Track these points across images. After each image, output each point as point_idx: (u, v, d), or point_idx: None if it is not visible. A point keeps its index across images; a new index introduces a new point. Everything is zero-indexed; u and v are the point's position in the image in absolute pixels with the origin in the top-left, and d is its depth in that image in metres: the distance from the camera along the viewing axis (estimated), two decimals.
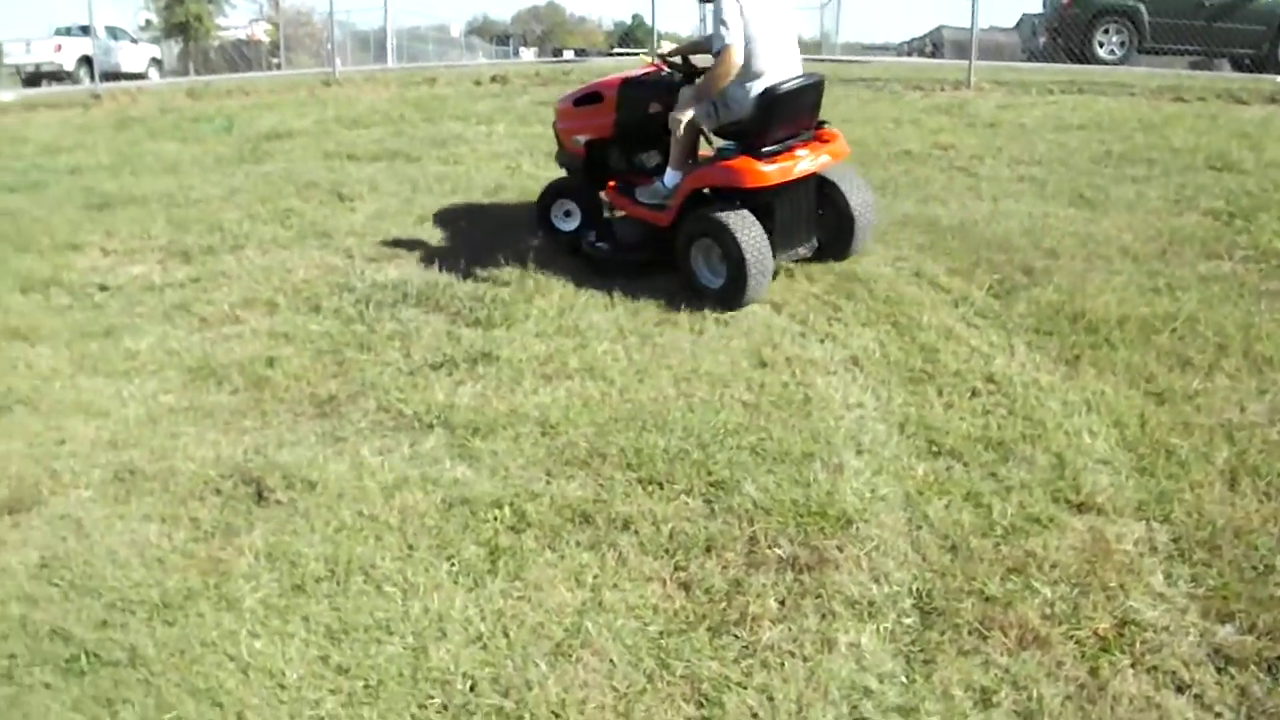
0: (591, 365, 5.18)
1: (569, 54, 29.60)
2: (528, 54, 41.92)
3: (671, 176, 6.32)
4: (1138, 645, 3.16)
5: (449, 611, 3.36)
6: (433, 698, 2.99)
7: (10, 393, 5.41)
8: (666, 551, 3.67)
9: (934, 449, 4.32)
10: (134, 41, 32.53)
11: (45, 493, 4.39)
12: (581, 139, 6.96)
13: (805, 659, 3.13)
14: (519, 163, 9.16)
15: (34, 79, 28.18)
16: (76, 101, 16.29)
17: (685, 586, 3.48)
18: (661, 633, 3.25)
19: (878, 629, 3.26)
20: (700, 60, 6.61)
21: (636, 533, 3.77)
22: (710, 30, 6.01)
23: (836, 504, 3.87)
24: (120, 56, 29.76)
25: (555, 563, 3.62)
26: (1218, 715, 2.91)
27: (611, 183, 6.80)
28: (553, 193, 7.16)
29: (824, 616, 3.32)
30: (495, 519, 3.87)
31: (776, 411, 4.64)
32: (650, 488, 4.06)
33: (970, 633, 3.23)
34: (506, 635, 3.25)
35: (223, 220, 8.11)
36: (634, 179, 6.76)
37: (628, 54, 25.74)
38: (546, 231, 7.14)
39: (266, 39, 37.55)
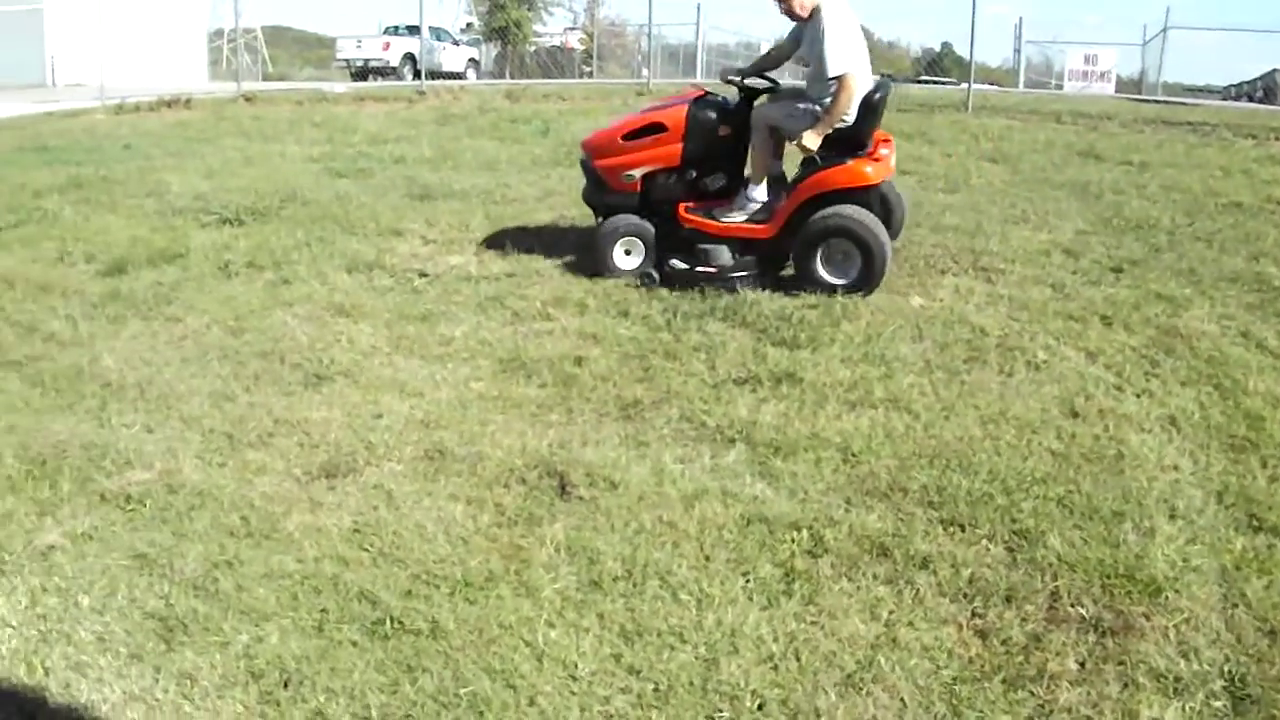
0: (896, 397, 5.11)
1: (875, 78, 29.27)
2: None
3: (757, 190, 6.83)
4: None
5: (742, 627, 3.38)
6: (721, 711, 3.01)
7: (333, 364, 5.80)
8: (964, 596, 3.58)
9: (1255, 523, 4.06)
10: (455, 43, 34.28)
11: (360, 462, 4.69)
12: (637, 173, 7.00)
13: None
14: None
15: (362, 73, 30.23)
16: (402, 96, 17.30)
17: (982, 634, 3.38)
18: (955, 679, 3.17)
19: (1183, 708, 3.08)
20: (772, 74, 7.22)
21: (935, 573, 3.69)
22: (810, 50, 6.60)
23: (1146, 569, 3.68)
24: (442, 57, 31.48)
25: (851, 592, 3.59)
26: None
27: (682, 209, 6.94)
28: (613, 234, 7.01)
29: (1126, 686, 3.16)
30: (792, 541, 3.87)
31: (1086, 465, 4.46)
32: (951, 529, 3.97)
33: None
34: (798, 658, 3.24)
35: (538, 219, 8.41)
36: (706, 203, 7.00)
37: (937, 82, 25.29)
38: (612, 273, 6.98)
39: (580, 47, 38.83)
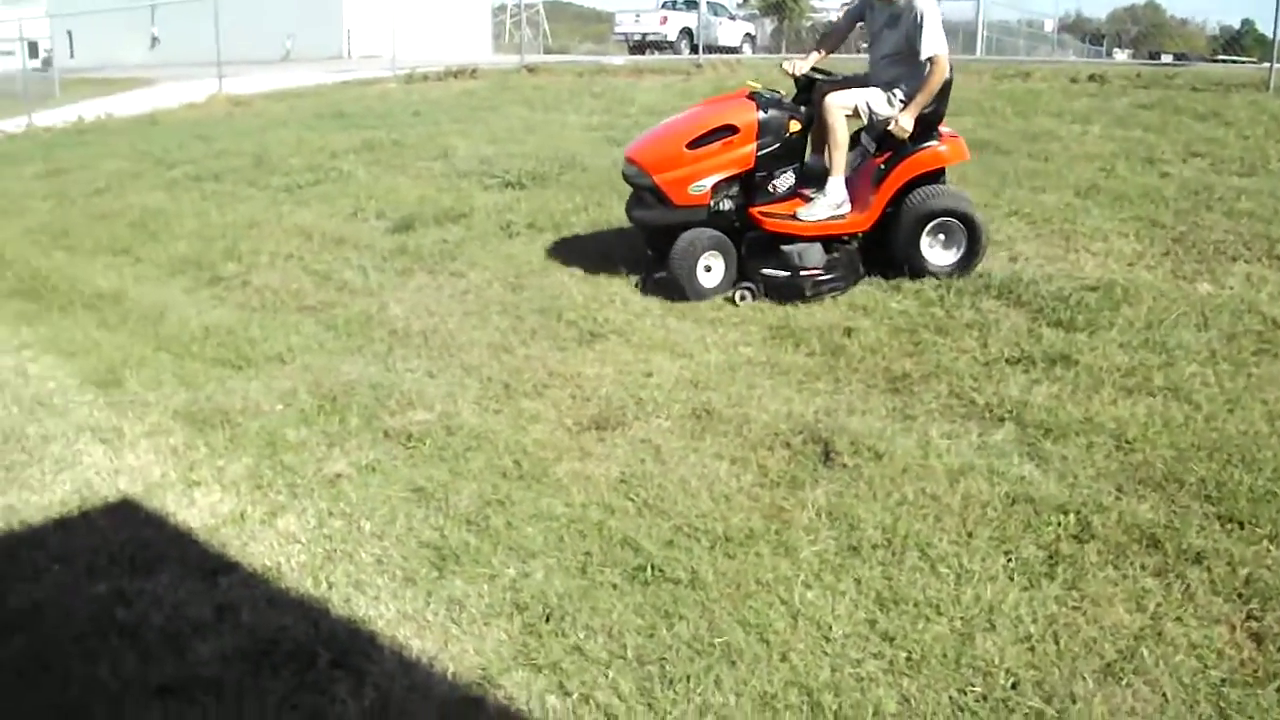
0: (1177, 385, 4.90)
1: (1166, 58, 27.72)
2: (1121, 55, 39.73)
3: (838, 183, 6.46)
4: None
5: (1000, 605, 3.35)
6: (973, 686, 3.00)
7: (607, 323, 6.00)
8: (1239, 596, 3.43)
9: None
10: (731, 18, 34.32)
11: (630, 417, 4.86)
12: (708, 182, 6.43)
13: None
14: (1113, 165, 8.72)
15: (639, 47, 30.65)
16: (679, 69, 17.45)
17: (1257, 638, 3.23)
18: (1224, 680, 3.04)
19: None
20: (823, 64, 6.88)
21: (1208, 569, 3.54)
22: (900, 31, 6.43)
23: None
24: (718, 31, 31.57)
25: (1116, 581, 3.49)
26: None
27: (758, 214, 6.52)
28: (692, 253, 6.36)
29: None
30: (1058, 524, 3.79)
31: None
32: (1229, 525, 3.80)
33: None
34: (1056, 641, 3.18)
35: None
36: (779, 205, 6.56)
37: (1235, 61, 23.75)
38: (699, 296, 6.37)
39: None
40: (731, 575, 3.55)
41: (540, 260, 7.22)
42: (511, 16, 39.61)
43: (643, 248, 6.97)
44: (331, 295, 7.13)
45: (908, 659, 3.11)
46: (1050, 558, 3.62)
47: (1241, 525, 3.79)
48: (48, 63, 32.70)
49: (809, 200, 6.47)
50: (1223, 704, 2.95)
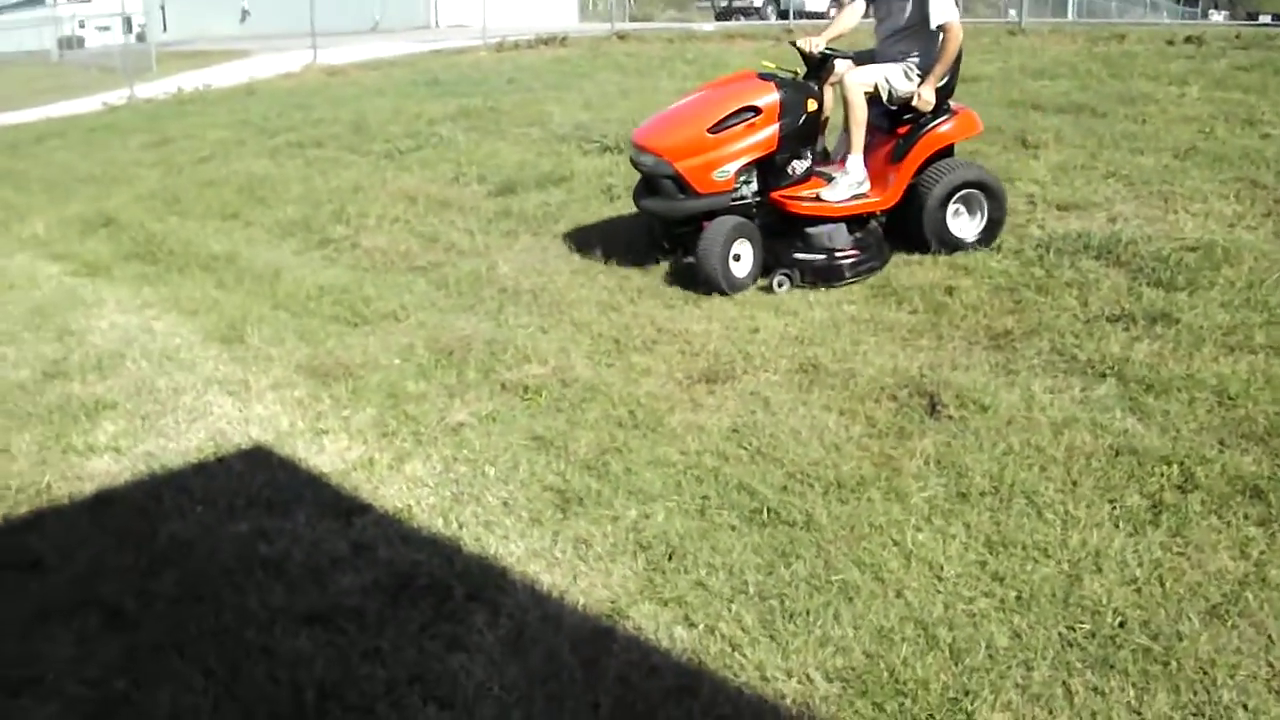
0: (1279, 344, 4.94)
1: (1265, 18, 27.07)
2: (1217, 16, 38.70)
3: (858, 161, 6.34)
4: None
5: (1106, 549, 3.46)
6: (1082, 623, 3.11)
7: None
8: None
9: None
10: None
11: (738, 371, 5.04)
12: (732, 168, 6.22)
13: None
14: (1212, 127, 8.65)
15: (726, 13, 30.59)
16: (770, 34, 17.49)
17: None
18: None
19: None
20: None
21: None
22: (910, 3, 6.32)
23: None
24: None
25: (1220, 529, 3.58)
26: None
27: (782, 198, 6.37)
28: (722, 242, 6.07)
29: None
30: (1162, 475, 3.88)
31: None
32: None
33: None
34: (1161, 584, 3.29)
35: None
36: (799, 188, 6.42)
37: None
38: (733, 287, 6.12)
39: None
40: (845, 519, 3.69)
41: (642, 222, 7.38)
42: None
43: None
44: (440, 256, 7.37)
45: (1017, 598, 3.24)
46: (1154, 506, 3.71)
47: None
48: (142, 37, 33.48)
49: (830, 181, 6.37)
50: None
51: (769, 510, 3.76)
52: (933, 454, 4.09)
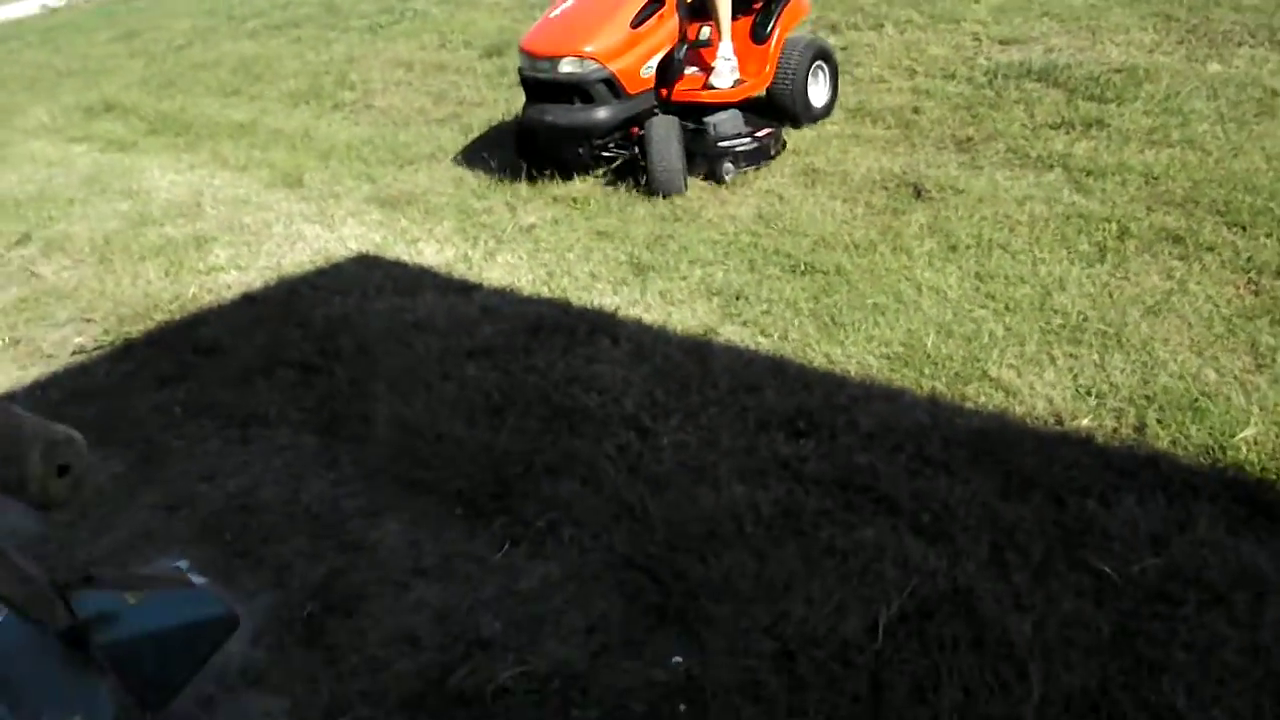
0: (1192, 139, 6.02)
1: None
2: None
3: (728, 46, 6.28)
4: None
5: (1067, 276, 4.56)
6: (1055, 318, 4.21)
7: None
8: (1242, 269, 4.60)
9: None
10: None
11: (750, 175, 6.10)
12: (654, 63, 6.07)
13: None
14: None
15: None
16: None
17: (1255, 291, 4.42)
18: (1231, 315, 4.23)
19: None
20: None
21: (1219, 254, 4.72)
22: None
23: None
24: None
25: (1150, 262, 4.69)
26: None
27: (684, 92, 6.28)
28: (677, 139, 5.88)
29: None
30: (1104, 229, 4.97)
31: None
32: (1234, 229, 4.96)
33: None
34: (1110, 296, 4.39)
35: (861, 3, 9.41)
36: (691, 80, 6.38)
37: None
38: (681, 187, 5.90)
39: None
40: (865, 267, 4.77)
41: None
42: None
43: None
44: (454, 109, 8.24)
45: (1005, 307, 4.33)
46: (1100, 250, 4.81)
47: (1244, 229, 4.95)
48: None
49: (710, 70, 6.32)
50: (1230, 327, 4.14)
51: (805, 264, 4.83)
52: (924, 223, 5.16)
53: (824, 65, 6.90)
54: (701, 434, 3.52)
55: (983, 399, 3.67)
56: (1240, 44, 7.60)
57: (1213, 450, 3.29)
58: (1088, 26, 8.19)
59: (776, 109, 6.71)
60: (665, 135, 5.83)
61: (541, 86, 6.06)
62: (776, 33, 6.51)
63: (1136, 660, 2.46)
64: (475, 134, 7.47)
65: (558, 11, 6.18)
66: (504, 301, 4.81)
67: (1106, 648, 2.50)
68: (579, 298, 4.76)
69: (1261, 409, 3.49)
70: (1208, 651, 2.48)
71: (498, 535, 3.10)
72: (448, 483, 3.37)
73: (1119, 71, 7.11)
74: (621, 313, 4.56)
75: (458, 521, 3.21)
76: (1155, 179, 5.53)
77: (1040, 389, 3.72)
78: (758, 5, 6.59)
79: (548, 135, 6.07)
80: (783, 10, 6.56)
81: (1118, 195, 5.38)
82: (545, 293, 4.86)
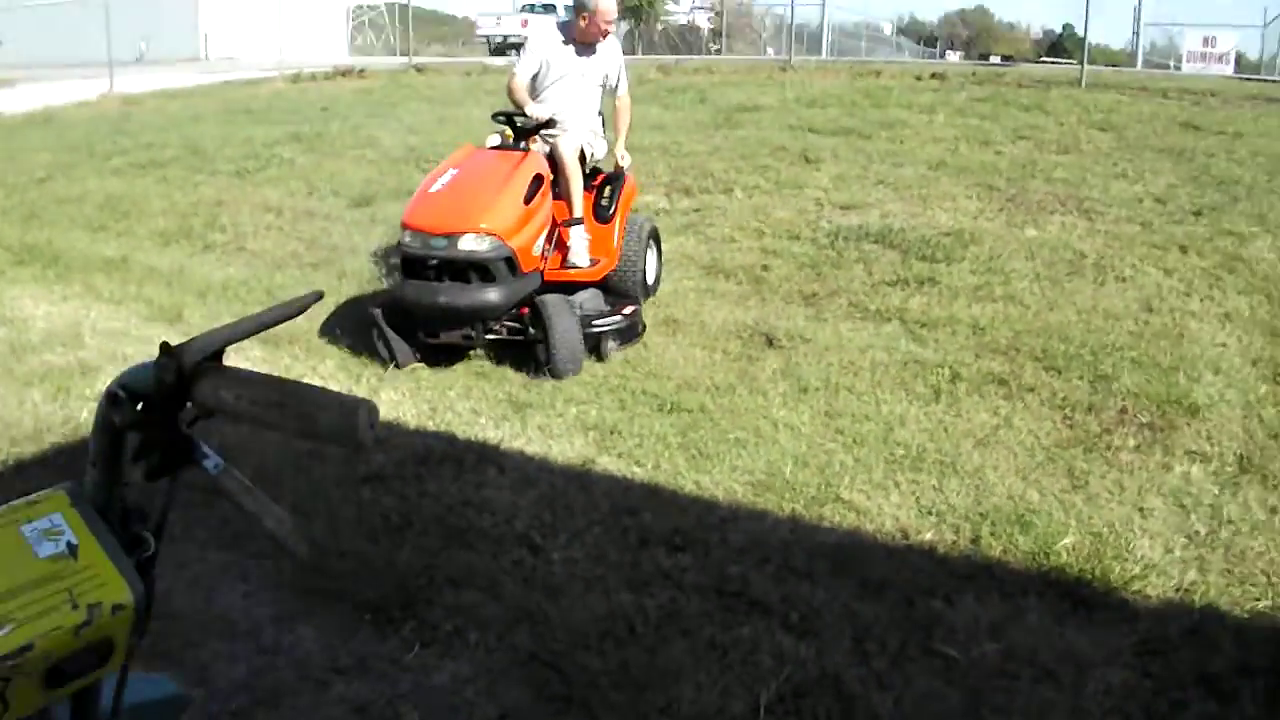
0: (1012, 295, 6.74)
1: (995, 59, 30.48)
2: (954, 56, 42.55)
3: (582, 226, 6.33)
4: None
5: (907, 414, 5.09)
6: (898, 451, 4.72)
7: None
8: (1059, 406, 5.23)
9: (1278, 378, 5.62)
10: None
11: None
12: (541, 241, 6.03)
13: (1149, 473, 4.62)
14: (957, 146, 10.68)
15: (500, 49, 31.90)
16: None
17: (1070, 425, 5.04)
18: (1051, 445, 4.82)
19: (1204, 468, 4.69)
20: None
21: (1038, 394, 5.35)
22: (610, 68, 6.69)
23: (1190, 398, 5.28)
24: None
25: (979, 401, 5.27)
26: None
27: (554, 271, 6.25)
28: (577, 319, 5.87)
29: (1167, 454, 4.79)
30: (937, 374, 5.56)
31: (1155, 340, 6.05)
32: (1051, 372, 5.61)
33: (1274, 484, 4.57)
34: (945, 431, 4.93)
35: (712, 169, 10.14)
36: (554, 259, 6.33)
37: (1055, 62, 26.40)
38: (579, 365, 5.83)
39: (708, 26, 40.34)
40: (726, 406, 5.23)
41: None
42: (354, 20, 40.62)
43: None
44: (327, 254, 8.56)
45: (853, 440, 4.83)
46: (935, 391, 5.38)
47: (1059, 372, 5.61)
48: None
49: (567, 249, 6.31)
50: (1050, 456, 4.72)
51: (671, 403, 5.27)
52: (777, 368, 5.69)
53: (655, 244, 7.08)
54: (588, 550, 3.86)
55: (838, 518, 4.11)
56: (1053, 212, 8.48)
57: (1038, 556, 3.79)
58: (919, 195, 9.01)
59: (613, 289, 6.58)
60: (565, 316, 5.76)
61: (427, 265, 5.73)
62: (617, 212, 6.51)
63: None
64: (350, 278, 7.79)
65: (440, 185, 5.92)
66: (392, 433, 5.10)
67: (957, 716, 2.90)
68: (463, 431, 5.08)
69: (1078, 522, 4.04)
70: (1042, 713, 2.91)
71: (408, 639, 3.37)
72: (356, 594, 3.63)
73: (948, 235, 7.86)
74: (505, 445, 4.90)
75: (368, 627, 3.46)
76: (981, 329, 6.18)
77: (888, 509, 4.19)
78: (596, 184, 6.64)
79: (441, 316, 5.80)
80: (621, 190, 6.61)
81: (949, 344, 5.99)
82: (431, 426, 5.18)
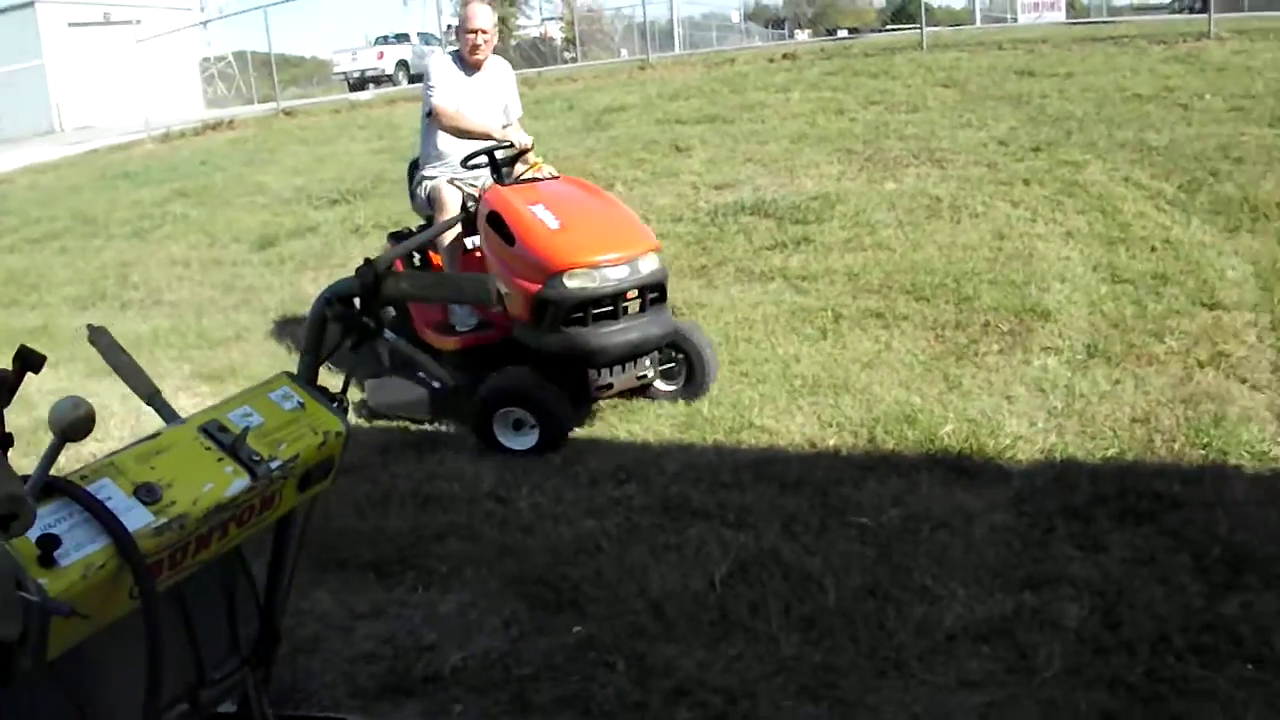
0: (880, 242, 7.50)
1: (842, 33, 31.63)
2: (802, 35, 43.68)
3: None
4: (1224, 365, 5.24)
5: (800, 352, 5.80)
6: (795, 381, 5.42)
7: None
8: (931, 328, 5.98)
9: (1115, 279, 6.44)
10: (442, 46, 36.27)
11: None
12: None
13: (1012, 369, 5.38)
14: (814, 118, 11.49)
15: (359, 84, 31.91)
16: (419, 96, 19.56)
17: (942, 341, 5.79)
18: (928, 360, 5.57)
19: (1058, 358, 5.47)
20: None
21: (911, 321, 6.10)
22: (509, 97, 6.14)
23: (1042, 305, 6.07)
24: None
25: (862, 334, 6.00)
26: (1268, 395, 4.96)
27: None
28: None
29: (1026, 352, 5.56)
30: (822, 317, 6.28)
31: (1009, 262, 6.84)
32: (920, 301, 6.37)
33: (1116, 362, 5.38)
34: (835, 361, 5.64)
35: (591, 169, 10.77)
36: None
37: (902, 29, 27.57)
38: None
39: (560, 35, 41.02)
40: None
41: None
42: (204, 72, 40.48)
43: None
44: (245, 296, 9.00)
45: (758, 379, 5.51)
46: (822, 331, 6.09)
47: (928, 300, 6.36)
48: None
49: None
50: (928, 367, 5.46)
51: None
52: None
53: None
54: (548, 495, 4.45)
55: (754, 440, 4.78)
56: (908, 165, 9.30)
57: (924, 444, 4.52)
58: (785, 166, 9.77)
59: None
60: (700, 333, 5.57)
61: (600, 304, 4.96)
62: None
63: (894, 568, 3.54)
64: (273, 314, 8.25)
65: (558, 221, 5.04)
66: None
67: (873, 565, 3.58)
68: (414, 426, 5.63)
69: (955, 413, 4.79)
70: (942, 551, 3.61)
71: (410, 585, 3.91)
72: (356, 558, 4.19)
73: (815, 199, 8.60)
74: (454, 431, 5.47)
75: (374, 582, 4.00)
76: (856, 275, 6.92)
77: (794, 427, 4.88)
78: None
79: (633, 355, 5.15)
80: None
81: (829, 291, 6.72)
82: (382, 425, 5.72)
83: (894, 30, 28.36)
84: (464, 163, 5.50)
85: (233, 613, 2.10)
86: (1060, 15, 24.26)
